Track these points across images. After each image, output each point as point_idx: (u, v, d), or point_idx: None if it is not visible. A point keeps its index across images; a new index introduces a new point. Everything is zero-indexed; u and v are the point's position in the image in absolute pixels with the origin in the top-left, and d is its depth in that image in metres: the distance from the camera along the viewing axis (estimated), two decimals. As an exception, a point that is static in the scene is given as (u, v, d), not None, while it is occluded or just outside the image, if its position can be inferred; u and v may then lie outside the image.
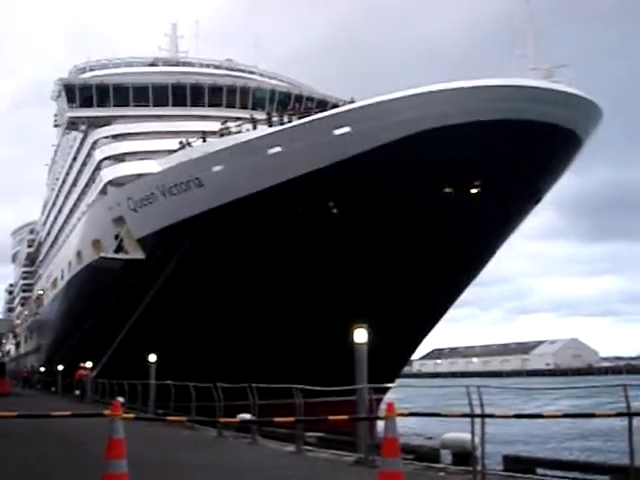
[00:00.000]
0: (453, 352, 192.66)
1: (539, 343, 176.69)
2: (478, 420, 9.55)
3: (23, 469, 11.84)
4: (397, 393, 50.83)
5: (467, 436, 10.15)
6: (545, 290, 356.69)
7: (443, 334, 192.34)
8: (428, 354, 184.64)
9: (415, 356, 58.20)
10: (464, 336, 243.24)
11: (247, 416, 16.89)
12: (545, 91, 31.67)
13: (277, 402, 15.08)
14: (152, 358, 25.55)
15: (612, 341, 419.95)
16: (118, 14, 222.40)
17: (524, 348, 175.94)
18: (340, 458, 11.79)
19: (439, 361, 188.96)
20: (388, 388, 41.07)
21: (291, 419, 12.55)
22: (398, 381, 45.15)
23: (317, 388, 14.22)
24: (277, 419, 10.15)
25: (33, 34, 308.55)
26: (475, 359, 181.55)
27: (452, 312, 42.67)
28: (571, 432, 26.53)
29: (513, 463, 10.40)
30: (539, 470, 9.98)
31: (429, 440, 13.00)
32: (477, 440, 9.59)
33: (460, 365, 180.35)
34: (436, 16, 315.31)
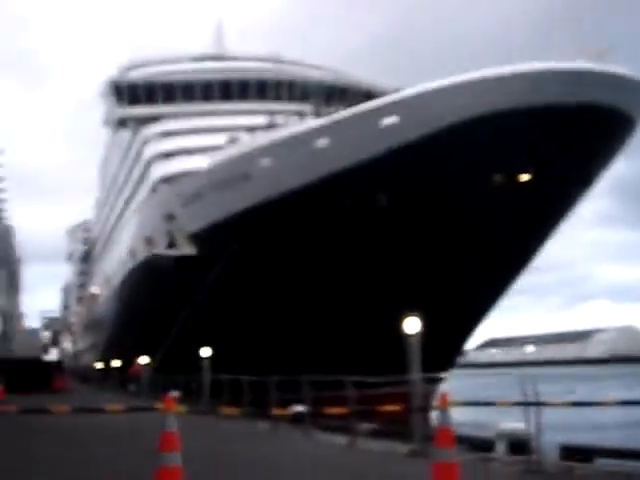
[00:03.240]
0: (509, 342, 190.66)
1: (596, 331, 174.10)
2: (534, 410, 9.38)
3: (77, 461, 11.96)
4: (453, 384, 50.43)
5: (522, 425, 9.98)
6: (602, 277, 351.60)
7: (498, 323, 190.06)
8: (483, 344, 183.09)
9: (470, 346, 57.72)
10: (520, 325, 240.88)
11: (300, 408, 16.90)
12: (598, 74, 31.01)
13: (329, 394, 15.01)
14: (205, 353, 25.67)
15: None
16: (169, 14, 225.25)
17: (580, 336, 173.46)
18: (394, 449, 11.67)
19: (494, 351, 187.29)
20: (441, 379, 40.84)
21: (344, 410, 12.47)
22: (453, 372, 44.82)
23: (369, 380, 14.07)
24: (329, 410, 10.08)
25: (97, 37, 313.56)
26: (531, 348, 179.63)
27: (507, 301, 42.24)
28: (632, 419, 25.92)
29: (570, 452, 10.18)
30: (597, 459, 9.76)
31: (484, 430, 12.77)
32: (533, 429, 9.41)
33: (516, 354, 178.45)
34: (488, 9, 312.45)
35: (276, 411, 16.79)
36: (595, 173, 36.23)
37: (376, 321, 36.51)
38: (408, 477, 9.19)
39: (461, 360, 52.51)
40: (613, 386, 71.92)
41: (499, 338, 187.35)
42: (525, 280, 41.34)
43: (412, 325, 11.67)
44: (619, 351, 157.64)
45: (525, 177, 34.12)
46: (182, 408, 7.23)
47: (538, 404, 9.24)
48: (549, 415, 9.86)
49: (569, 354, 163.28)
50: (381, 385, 16.10)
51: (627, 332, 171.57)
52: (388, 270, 36.66)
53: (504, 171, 33.96)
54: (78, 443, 15.30)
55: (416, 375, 11.60)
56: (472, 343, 53.73)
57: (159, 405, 7.14)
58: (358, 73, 53.98)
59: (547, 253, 40.39)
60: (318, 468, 10.86)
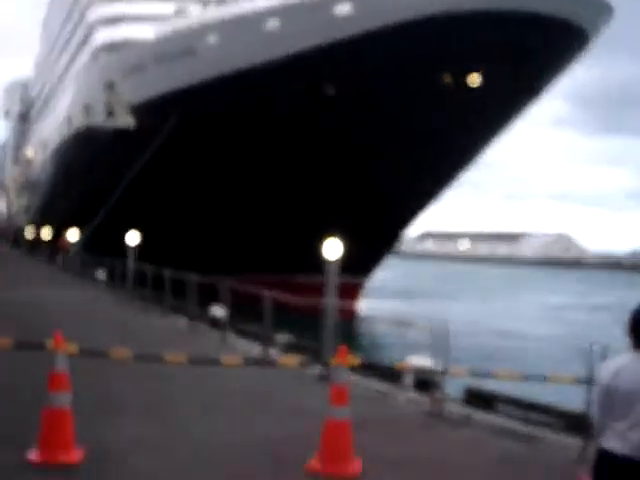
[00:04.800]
0: (443, 236, 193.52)
1: (529, 235, 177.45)
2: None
3: None
4: (388, 271, 51.61)
5: (429, 362, 9.96)
6: (545, 177, 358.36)
7: (434, 216, 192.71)
8: (419, 236, 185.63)
9: (406, 236, 58.45)
10: (457, 219, 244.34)
11: (219, 310, 16.83)
12: None
13: (248, 296, 14.88)
14: (131, 240, 25.15)
15: (605, 235, 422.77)
16: None
17: (513, 238, 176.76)
18: (302, 371, 11.51)
19: (429, 244, 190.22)
20: (368, 271, 41.37)
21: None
22: (388, 261, 45.59)
23: (288, 298, 13.89)
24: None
25: None
26: (466, 243, 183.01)
27: (447, 193, 42.62)
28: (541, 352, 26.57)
29: (474, 396, 10.28)
30: (499, 405, 9.85)
31: (392, 359, 12.80)
32: (440, 367, 9.40)
33: (450, 248, 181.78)
34: None
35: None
36: (544, 81, 36.15)
37: (312, 211, 36.55)
38: (308, 410, 9.14)
39: (397, 248, 53.25)
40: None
41: (435, 231, 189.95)
42: (467, 175, 41.68)
43: (333, 249, 11.20)
44: (551, 255, 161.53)
45: (474, 80, 33.85)
46: (73, 348, 6.85)
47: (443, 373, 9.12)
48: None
49: (502, 253, 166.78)
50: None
51: (561, 239, 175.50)
52: (329, 160, 36.45)
53: (453, 71, 33.64)
54: None
55: (332, 301, 11.39)
56: (409, 233, 54.26)
57: (49, 343, 6.75)
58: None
59: (493, 151, 40.77)
60: (222, 385, 10.70)
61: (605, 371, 4.00)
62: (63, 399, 6.70)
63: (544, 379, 8.46)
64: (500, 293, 64.10)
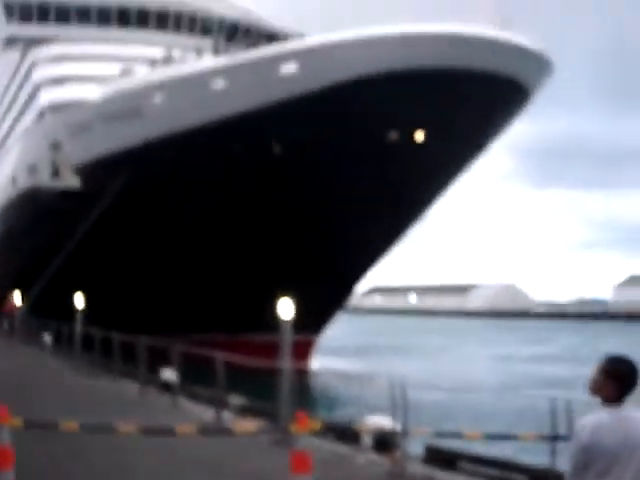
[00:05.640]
0: (391, 290, 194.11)
1: (477, 286, 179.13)
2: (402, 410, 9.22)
3: None
4: (338, 327, 51.38)
5: (388, 421, 9.81)
6: (492, 230, 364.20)
7: (382, 271, 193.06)
8: (367, 291, 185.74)
9: (356, 292, 58.50)
10: (404, 273, 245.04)
11: (169, 373, 16.48)
12: (500, 43, 31.57)
13: (201, 357, 14.59)
14: (79, 304, 24.56)
15: (550, 285, 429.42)
16: None
17: (461, 290, 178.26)
18: (259, 436, 11.18)
19: (378, 298, 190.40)
20: (321, 328, 41.27)
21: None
22: (338, 317, 45.42)
23: (241, 361, 13.65)
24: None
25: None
26: (413, 297, 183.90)
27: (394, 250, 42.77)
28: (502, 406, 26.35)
29: (435, 455, 10.14)
30: (461, 464, 9.73)
31: (351, 421, 12.60)
32: (399, 427, 9.25)
33: (398, 302, 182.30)
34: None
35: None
36: (488, 136, 36.84)
37: (260, 269, 36.37)
38: (266, 477, 8.89)
39: (347, 304, 53.19)
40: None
41: (383, 286, 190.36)
42: (415, 229, 41.91)
43: (286, 308, 11.06)
44: (499, 306, 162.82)
45: (420, 136, 34.31)
46: (18, 420, 6.57)
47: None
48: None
49: (450, 305, 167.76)
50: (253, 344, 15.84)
51: (508, 290, 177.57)
52: (278, 219, 36.41)
53: (399, 128, 34.04)
54: None
55: (287, 362, 11.20)
56: (358, 289, 54.38)
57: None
58: (270, 13, 52.37)
59: (441, 205, 41.21)
60: (176, 453, 10.35)
61: (583, 430, 3.93)
62: (5, 476, 6.37)
63: (510, 437, 8.38)
64: (449, 346, 64.24)
